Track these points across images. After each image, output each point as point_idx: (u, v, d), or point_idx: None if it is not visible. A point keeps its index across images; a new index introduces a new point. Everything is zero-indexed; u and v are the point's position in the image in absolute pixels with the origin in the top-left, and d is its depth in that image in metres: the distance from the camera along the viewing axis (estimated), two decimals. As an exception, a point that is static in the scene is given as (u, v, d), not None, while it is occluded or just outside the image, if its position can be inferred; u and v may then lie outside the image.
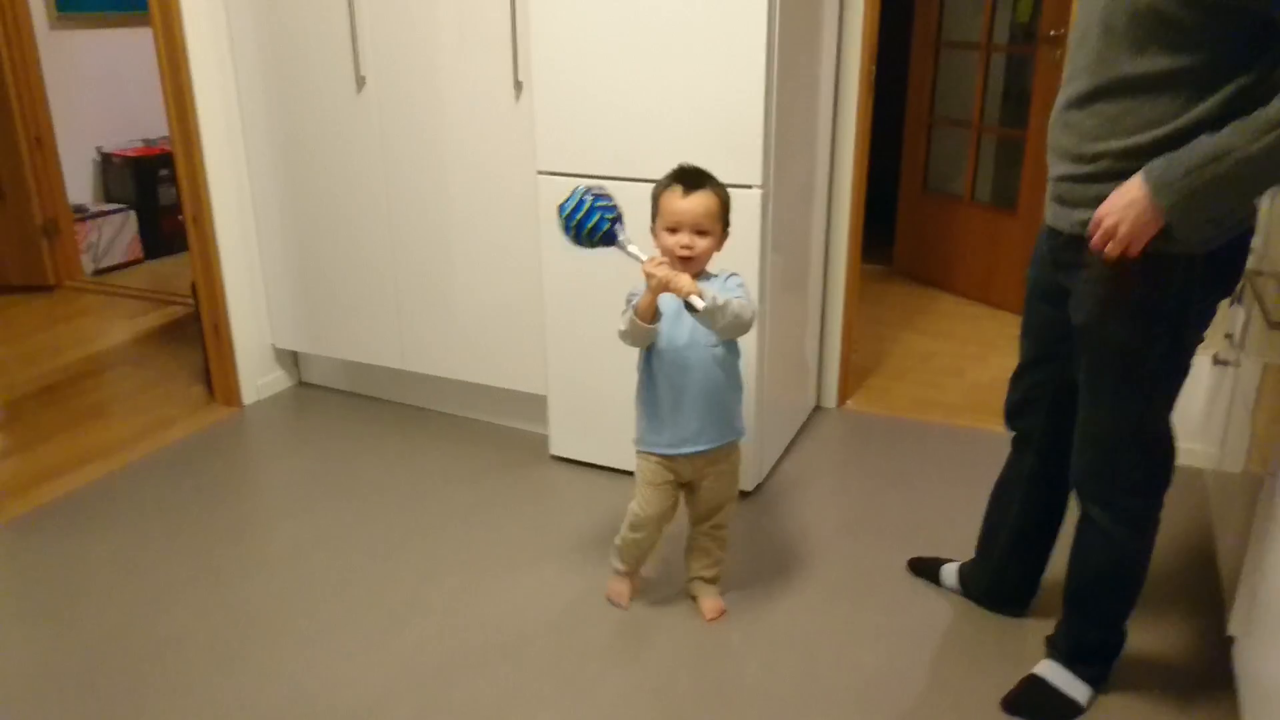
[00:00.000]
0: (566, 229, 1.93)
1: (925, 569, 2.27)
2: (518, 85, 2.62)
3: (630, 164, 2.38)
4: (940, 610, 2.17)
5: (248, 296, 3.23)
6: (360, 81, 2.83)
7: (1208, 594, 2.19)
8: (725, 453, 2.06)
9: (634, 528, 2.09)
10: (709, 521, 2.13)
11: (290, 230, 3.14)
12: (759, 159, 2.31)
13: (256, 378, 3.30)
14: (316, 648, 2.08)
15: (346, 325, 3.16)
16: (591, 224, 1.90)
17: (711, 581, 2.18)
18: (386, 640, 2.10)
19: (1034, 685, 1.87)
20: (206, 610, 2.21)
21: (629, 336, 1.95)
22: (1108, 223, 1.50)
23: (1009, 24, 4.18)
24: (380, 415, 3.19)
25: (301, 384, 3.45)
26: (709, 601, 2.16)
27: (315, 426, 3.14)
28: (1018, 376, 1.95)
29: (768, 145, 2.31)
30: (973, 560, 2.17)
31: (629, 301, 1.94)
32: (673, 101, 2.34)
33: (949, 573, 2.22)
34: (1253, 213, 1.58)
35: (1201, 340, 1.64)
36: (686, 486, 2.09)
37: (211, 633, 2.13)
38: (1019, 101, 4.11)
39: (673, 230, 1.92)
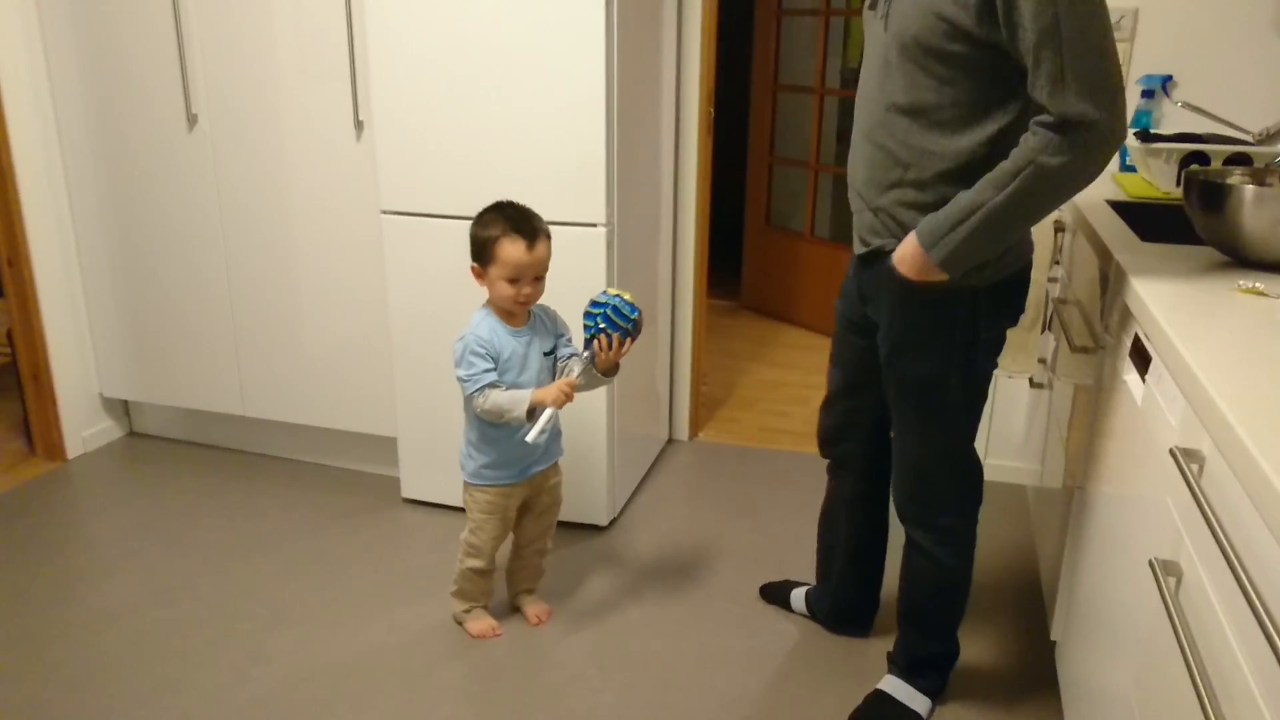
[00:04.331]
0: (624, 318, 1.96)
1: (776, 594, 2.34)
2: (359, 124, 2.59)
3: (473, 204, 2.34)
4: (790, 633, 2.23)
5: (72, 343, 3.05)
6: (192, 120, 2.74)
7: (1032, 602, 2.34)
8: (557, 467, 2.19)
9: (475, 556, 2.14)
10: (543, 539, 2.24)
11: (119, 273, 2.99)
12: (603, 198, 2.35)
13: (82, 429, 3.11)
14: (148, 709, 1.96)
15: (182, 371, 3.02)
16: (606, 320, 1.95)
17: (533, 591, 2.30)
18: (226, 696, 2.00)
19: (878, 700, 1.95)
20: (21, 677, 2.05)
21: (494, 417, 1.98)
22: (899, 269, 1.64)
23: (840, 68, 4.41)
24: (220, 464, 3.06)
25: (133, 434, 3.27)
26: (535, 608, 2.27)
27: (148, 478, 2.98)
28: (828, 405, 2.05)
29: (611, 184, 2.36)
30: (815, 585, 2.25)
31: (486, 381, 1.95)
32: (515, 141, 2.36)
33: (797, 597, 2.29)
34: (1030, 247, 1.72)
35: (995, 367, 1.76)
36: (521, 508, 2.16)
37: (29, 700, 1.98)
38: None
39: (513, 280, 1.94)
